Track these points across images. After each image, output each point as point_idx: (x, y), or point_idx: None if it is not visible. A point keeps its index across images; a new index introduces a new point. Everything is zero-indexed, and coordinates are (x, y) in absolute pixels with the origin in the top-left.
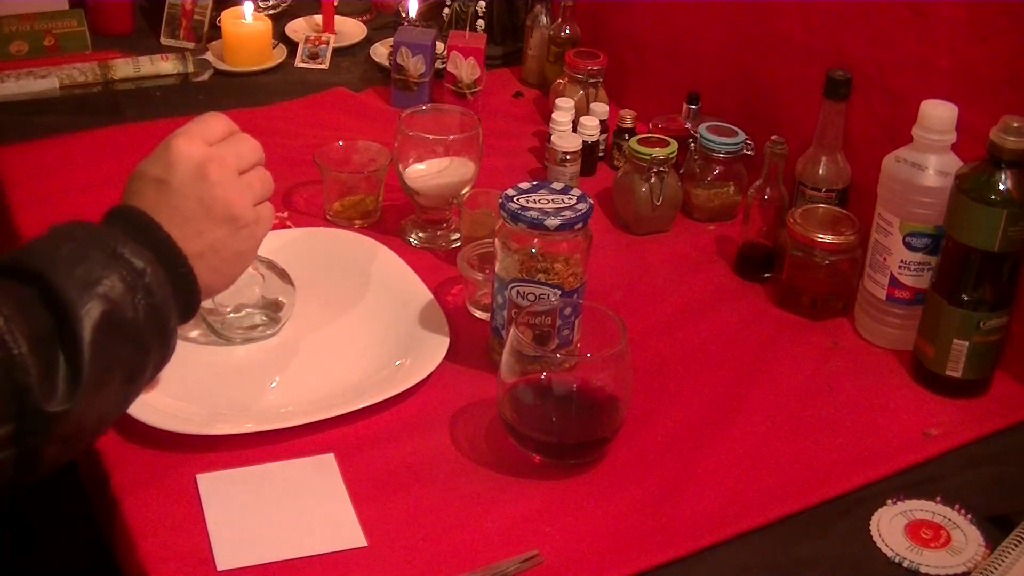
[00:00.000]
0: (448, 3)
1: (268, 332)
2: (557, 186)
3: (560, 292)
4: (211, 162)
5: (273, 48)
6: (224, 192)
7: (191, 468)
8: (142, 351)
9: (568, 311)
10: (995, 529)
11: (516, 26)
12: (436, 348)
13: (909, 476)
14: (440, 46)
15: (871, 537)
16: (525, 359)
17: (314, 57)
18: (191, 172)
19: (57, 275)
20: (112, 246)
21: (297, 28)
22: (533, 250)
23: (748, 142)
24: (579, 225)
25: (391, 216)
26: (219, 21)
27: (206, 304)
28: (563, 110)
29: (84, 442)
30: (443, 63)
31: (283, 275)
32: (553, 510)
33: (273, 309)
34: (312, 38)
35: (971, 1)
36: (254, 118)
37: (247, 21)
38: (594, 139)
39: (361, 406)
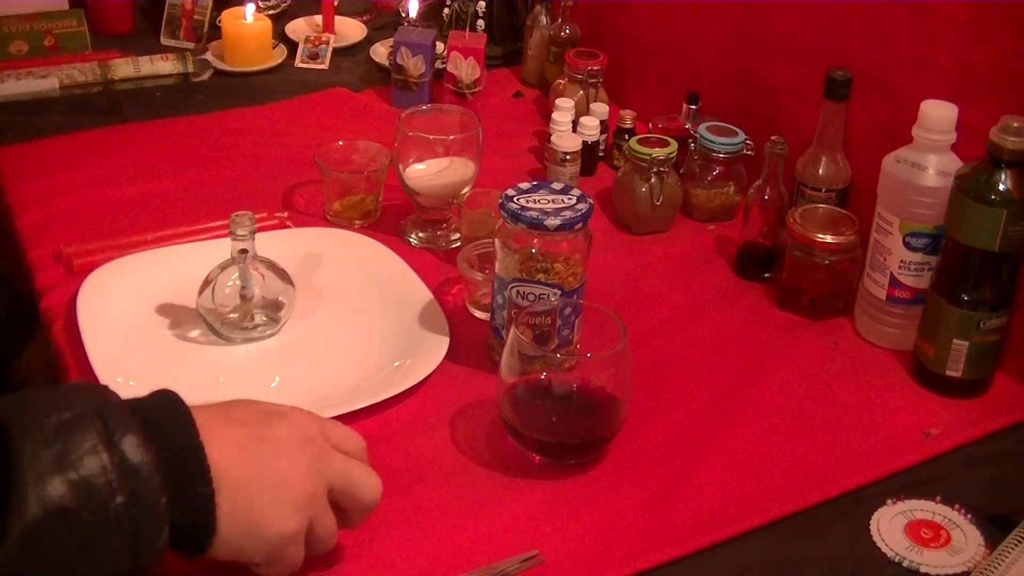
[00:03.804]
0: (448, 3)
1: (268, 332)
2: (557, 186)
3: (560, 292)
4: (322, 455)
5: (273, 48)
6: (305, 481)
7: None
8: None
9: (568, 311)
10: (995, 529)
11: (516, 26)
12: (436, 348)
13: (909, 476)
14: (440, 46)
15: (871, 537)
16: (525, 359)
17: (314, 57)
18: (297, 432)
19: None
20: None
21: (297, 28)
22: (533, 250)
23: (748, 142)
24: (579, 225)
25: (391, 216)
26: (219, 21)
27: (206, 304)
28: (563, 110)
29: None
30: (443, 63)
31: (283, 275)
32: (553, 510)
33: (273, 309)
34: (312, 38)
35: (971, 1)
36: (254, 118)
37: (247, 21)
38: (594, 139)
39: (361, 406)
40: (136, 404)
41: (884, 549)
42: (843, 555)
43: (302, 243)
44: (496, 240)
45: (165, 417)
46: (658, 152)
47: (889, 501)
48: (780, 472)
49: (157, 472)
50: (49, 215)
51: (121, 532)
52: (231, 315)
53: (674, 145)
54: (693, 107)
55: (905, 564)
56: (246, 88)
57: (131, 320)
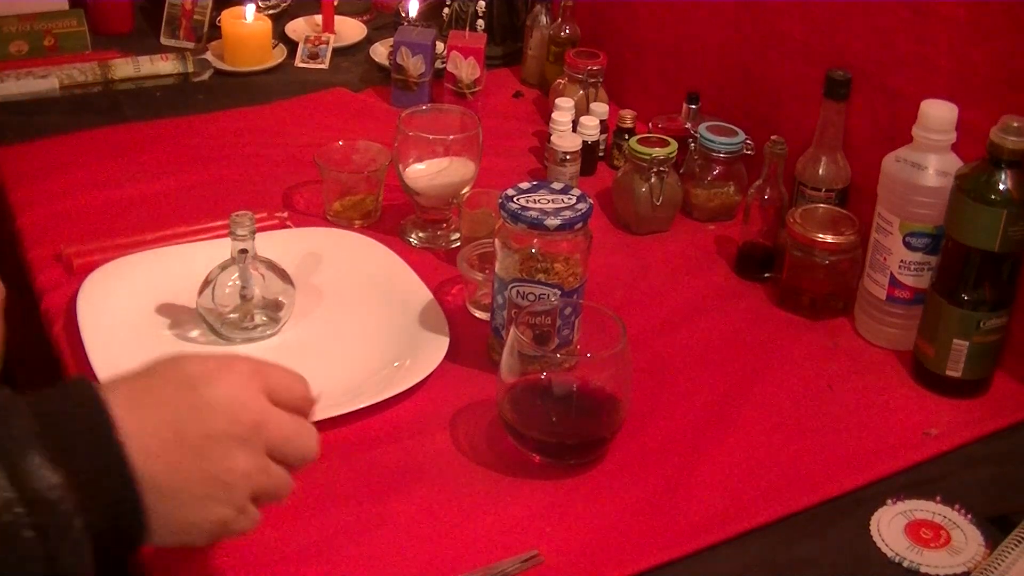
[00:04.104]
0: (448, 3)
1: (268, 332)
2: (557, 186)
3: (560, 292)
4: (259, 423)
5: (273, 48)
6: (238, 460)
7: None
8: None
9: (568, 311)
10: (995, 529)
11: (516, 26)
12: (436, 348)
13: (909, 476)
14: (440, 46)
15: (871, 537)
16: (525, 359)
17: (314, 57)
18: (226, 404)
19: None
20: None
21: (297, 28)
22: (533, 250)
23: (748, 142)
24: (579, 225)
25: (391, 216)
26: (219, 21)
27: (206, 304)
28: (563, 110)
29: None
30: (443, 63)
31: (283, 275)
32: (553, 510)
33: (273, 309)
34: (312, 38)
35: (971, 1)
36: (254, 118)
37: (247, 21)
38: (594, 139)
39: (361, 406)
40: (42, 406)
41: (884, 549)
42: (843, 555)
43: (302, 243)
44: (496, 240)
45: (76, 419)
46: (658, 152)
47: (889, 501)
48: (780, 472)
49: (69, 493)
50: (49, 215)
51: (36, 563)
52: (231, 315)
53: (674, 145)
54: (693, 107)
55: (905, 564)
56: (246, 88)
57: (131, 320)
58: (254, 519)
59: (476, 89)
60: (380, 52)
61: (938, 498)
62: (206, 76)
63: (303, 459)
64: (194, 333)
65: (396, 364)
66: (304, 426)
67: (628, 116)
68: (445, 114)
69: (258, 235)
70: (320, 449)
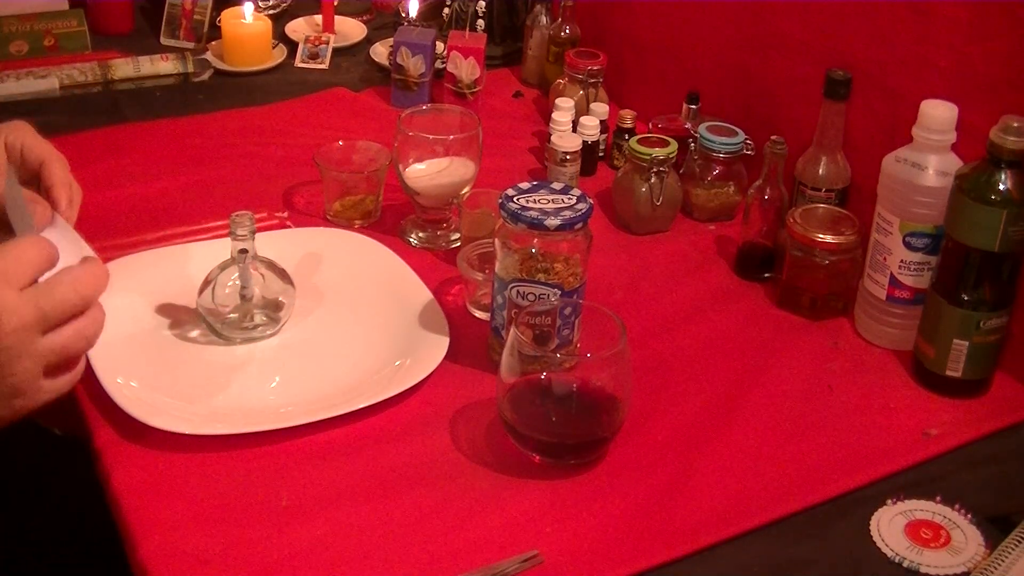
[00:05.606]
0: (448, 3)
1: (268, 332)
2: (557, 186)
3: (560, 292)
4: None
5: (273, 48)
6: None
7: (191, 468)
8: None
9: (568, 311)
10: (995, 529)
11: (516, 26)
12: (436, 348)
13: (909, 476)
14: (440, 46)
15: (871, 537)
16: (525, 359)
17: (314, 57)
18: None
19: None
20: None
21: (297, 28)
22: (533, 250)
23: (748, 142)
24: (579, 225)
25: (391, 216)
26: (219, 21)
27: (206, 304)
28: (563, 110)
29: None
30: (443, 63)
31: (283, 275)
32: (553, 510)
33: (273, 309)
34: (312, 38)
35: (971, 1)
36: (254, 118)
37: (247, 21)
38: (594, 139)
39: (361, 406)
40: None
41: (884, 549)
42: (843, 555)
43: (302, 243)
44: (496, 240)
45: None
46: (658, 152)
47: (889, 501)
48: (780, 472)
49: None
50: None
51: None
52: (231, 315)
53: (674, 145)
54: (693, 107)
55: (905, 564)
56: (246, 88)
57: (131, 320)
58: (54, 389)
59: (476, 89)
60: (380, 52)
61: (938, 498)
62: (206, 76)
63: (82, 303)
64: (194, 333)
65: (396, 364)
66: (58, 288)
67: (628, 116)
68: (445, 114)
69: (258, 235)
70: (97, 278)
